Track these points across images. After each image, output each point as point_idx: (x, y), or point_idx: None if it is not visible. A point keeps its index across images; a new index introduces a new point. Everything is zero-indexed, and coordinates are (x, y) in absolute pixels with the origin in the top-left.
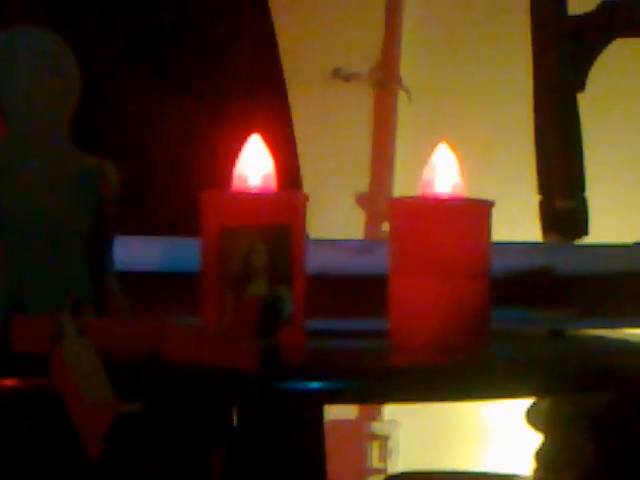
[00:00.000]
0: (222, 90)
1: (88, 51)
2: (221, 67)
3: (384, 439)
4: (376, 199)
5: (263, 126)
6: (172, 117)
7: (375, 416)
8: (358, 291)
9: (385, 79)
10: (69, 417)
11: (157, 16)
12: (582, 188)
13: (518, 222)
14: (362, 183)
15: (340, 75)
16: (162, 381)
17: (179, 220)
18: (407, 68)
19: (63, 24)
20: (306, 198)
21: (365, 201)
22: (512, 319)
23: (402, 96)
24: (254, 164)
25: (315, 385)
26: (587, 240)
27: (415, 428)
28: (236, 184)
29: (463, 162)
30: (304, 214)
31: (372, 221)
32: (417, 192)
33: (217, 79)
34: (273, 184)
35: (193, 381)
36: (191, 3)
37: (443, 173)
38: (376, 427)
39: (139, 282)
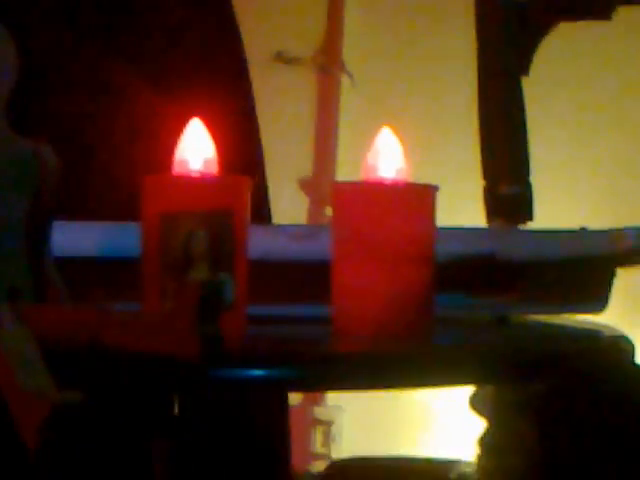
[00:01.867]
0: (177, 72)
1: (27, 34)
2: (177, 48)
3: (328, 424)
4: (319, 184)
5: (222, 109)
6: (120, 99)
7: (319, 401)
8: (301, 277)
9: (328, 63)
10: (6, 406)
11: None
12: (527, 173)
13: (462, 207)
14: (305, 168)
15: (282, 59)
16: (101, 369)
17: (122, 205)
18: (350, 52)
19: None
20: (249, 182)
21: (308, 186)
22: (456, 305)
23: (345, 80)
24: (195, 148)
25: (256, 373)
26: (532, 225)
27: (359, 413)
28: (177, 169)
29: (407, 147)
30: (247, 199)
31: (315, 206)
32: (360, 177)
33: (172, 60)
34: (215, 168)
35: (133, 369)
36: None
37: (387, 157)
38: (319, 412)
39: (78, 268)
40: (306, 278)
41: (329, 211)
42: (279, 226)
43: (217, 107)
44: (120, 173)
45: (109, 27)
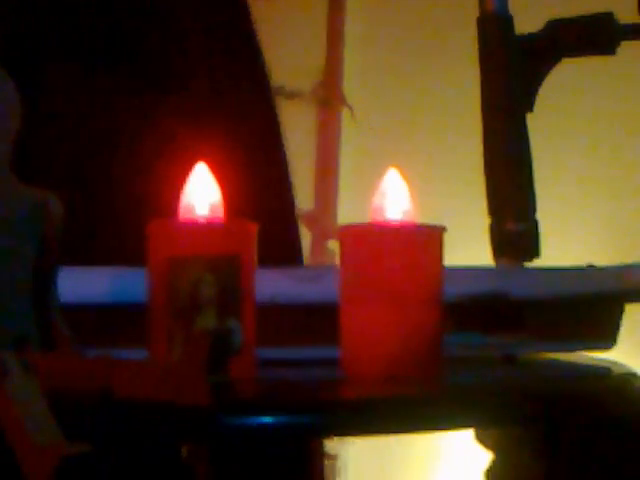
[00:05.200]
0: (198, 111)
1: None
2: (199, 84)
3: (334, 458)
4: (321, 217)
5: (251, 148)
6: (126, 140)
7: None
8: (309, 319)
9: (328, 97)
10: (14, 458)
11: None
12: (533, 210)
13: (468, 245)
14: (307, 201)
15: (283, 93)
16: (111, 419)
17: (128, 250)
18: (350, 86)
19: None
20: (255, 227)
21: (310, 220)
22: (466, 344)
23: (346, 114)
24: (201, 193)
25: (266, 420)
26: (538, 262)
27: (365, 446)
28: (183, 214)
29: (410, 182)
30: (254, 243)
31: (318, 240)
32: (362, 209)
33: (194, 96)
34: (221, 213)
35: (143, 418)
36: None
37: (393, 199)
38: (326, 446)
39: (85, 314)
40: (314, 320)
41: (332, 245)
42: (286, 268)
43: (248, 155)
44: (127, 217)
45: (117, 68)
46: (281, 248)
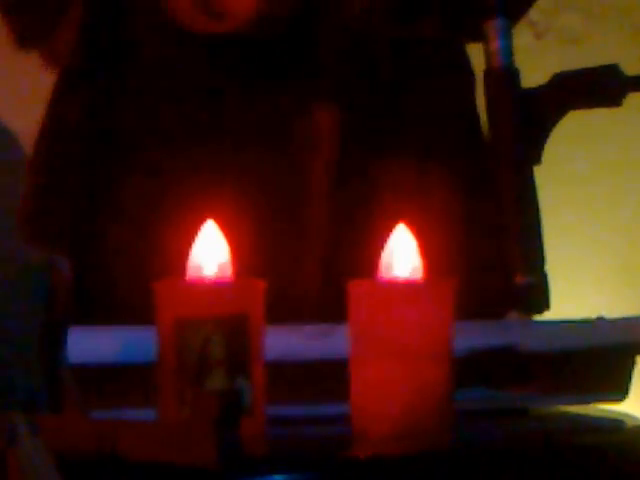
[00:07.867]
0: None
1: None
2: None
3: None
4: None
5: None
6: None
7: None
8: (318, 376)
9: None
10: None
11: None
12: (542, 263)
13: None
14: None
15: None
16: None
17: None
18: None
19: None
20: (263, 284)
21: None
22: (476, 399)
23: None
24: (209, 252)
25: (277, 479)
26: (548, 315)
27: None
28: (191, 273)
29: (421, 239)
30: (262, 301)
31: None
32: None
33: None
34: (229, 272)
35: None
36: None
37: (402, 256)
38: None
39: (94, 374)
40: (323, 377)
41: None
42: (294, 326)
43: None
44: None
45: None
46: None
